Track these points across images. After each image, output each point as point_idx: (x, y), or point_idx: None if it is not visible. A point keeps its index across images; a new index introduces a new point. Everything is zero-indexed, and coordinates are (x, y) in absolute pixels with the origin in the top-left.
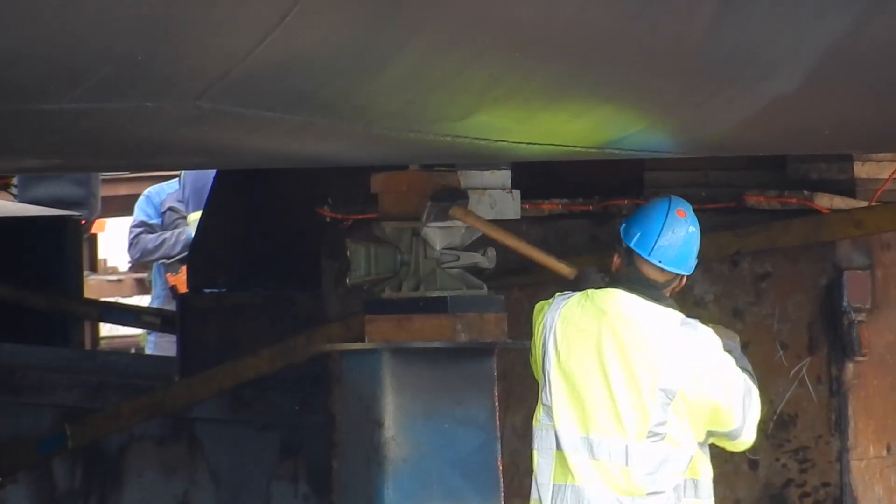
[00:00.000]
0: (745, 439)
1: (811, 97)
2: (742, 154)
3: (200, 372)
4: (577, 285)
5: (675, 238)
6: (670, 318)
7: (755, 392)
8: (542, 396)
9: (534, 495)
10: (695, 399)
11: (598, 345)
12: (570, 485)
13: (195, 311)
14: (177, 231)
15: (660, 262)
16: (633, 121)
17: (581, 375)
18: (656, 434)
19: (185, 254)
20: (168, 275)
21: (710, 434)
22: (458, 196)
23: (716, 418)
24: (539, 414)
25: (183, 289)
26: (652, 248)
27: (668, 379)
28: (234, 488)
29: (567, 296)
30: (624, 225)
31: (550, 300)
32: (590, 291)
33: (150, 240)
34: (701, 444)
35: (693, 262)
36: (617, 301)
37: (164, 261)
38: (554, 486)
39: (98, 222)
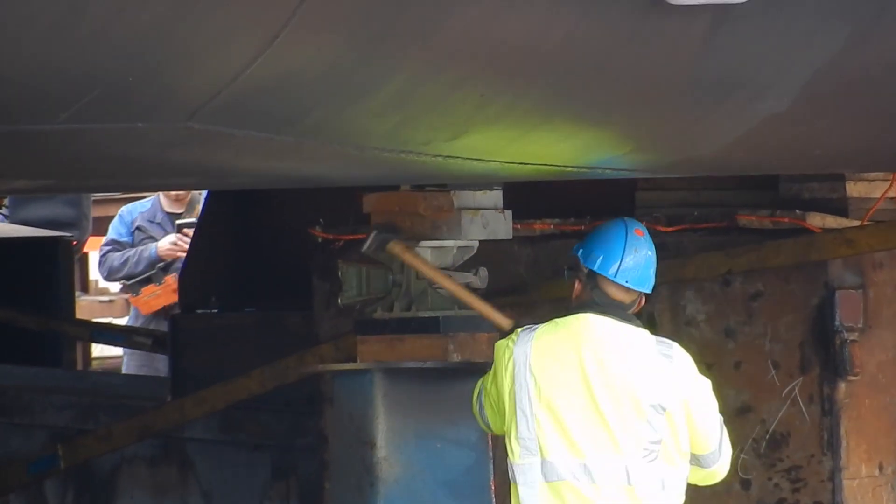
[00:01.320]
0: (720, 468)
1: (802, 117)
2: (734, 174)
3: (192, 393)
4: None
5: (639, 257)
6: (645, 337)
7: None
8: (518, 431)
9: None
10: (681, 416)
11: (580, 370)
12: None
13: (186, 331)
14: (139, 249)
15: (626, 282)
16: (623, 141)
17: (566, 403)
18: (651, 452)
19: (148, 273)
20: (129, 296)
21: (690, 458)
22: (399, 232)
23: (696, 439)
24: (515, 449)
25: (145, 310)
26: (618, 270)
27: (655, 396)
28: None
29: (531, 329)
30: (581, 250)
31: (511, 338)
32: (558, 320)
33: (115, 258)
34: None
35: (653, 280)
36: (591, 325)
37: (124, 281)
38: None
39: (91, 240)
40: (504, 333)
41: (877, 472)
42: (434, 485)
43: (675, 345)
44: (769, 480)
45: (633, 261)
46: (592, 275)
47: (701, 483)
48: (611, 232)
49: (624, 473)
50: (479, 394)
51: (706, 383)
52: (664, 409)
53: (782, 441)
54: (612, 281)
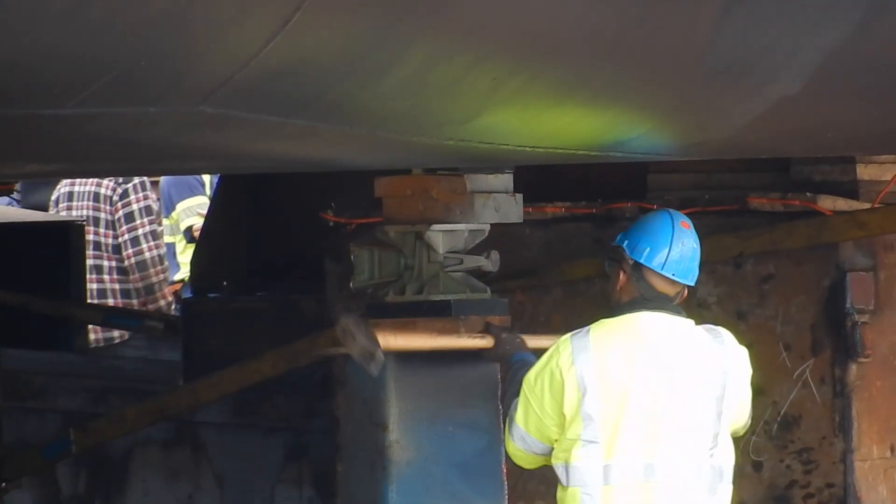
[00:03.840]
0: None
1: (815, 99)
2: (745, 156)
3: (204, 376)
4: (500, 355)
5: (685, 249)
6: (697, 329)
7: None
8: (583, 433)
9: None
10: (735, 398)
11: (646, 371)
12: None
13: (199, 315)
14: None
15: (673, 274)
16: (636, 124)
17: (633, 404)
18: (714, 445)
19: None
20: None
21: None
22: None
23: (741, 416)
24: (576, 451)
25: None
26: (665, 262)
27: (717, 387)
28: (238, 492)
29: (582, 334)
30: (626, 242)
31: (561, 349)
32: (609, 320)
33: None
34: None
35: (697, 273)
36: (649, 324)
37: None
38: None
39: None
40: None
41: (888, 454)
42: (446, 467)
43: (723, 329)
44: (781, 462)
45: (679, 253)
46: (638, 267)
47: None
48: (657, 223)
49: (692, 470)
50: (513, 414)
51: (746, 353)
52: (724, 400)
53: (794, 423)
54: (659, 273)
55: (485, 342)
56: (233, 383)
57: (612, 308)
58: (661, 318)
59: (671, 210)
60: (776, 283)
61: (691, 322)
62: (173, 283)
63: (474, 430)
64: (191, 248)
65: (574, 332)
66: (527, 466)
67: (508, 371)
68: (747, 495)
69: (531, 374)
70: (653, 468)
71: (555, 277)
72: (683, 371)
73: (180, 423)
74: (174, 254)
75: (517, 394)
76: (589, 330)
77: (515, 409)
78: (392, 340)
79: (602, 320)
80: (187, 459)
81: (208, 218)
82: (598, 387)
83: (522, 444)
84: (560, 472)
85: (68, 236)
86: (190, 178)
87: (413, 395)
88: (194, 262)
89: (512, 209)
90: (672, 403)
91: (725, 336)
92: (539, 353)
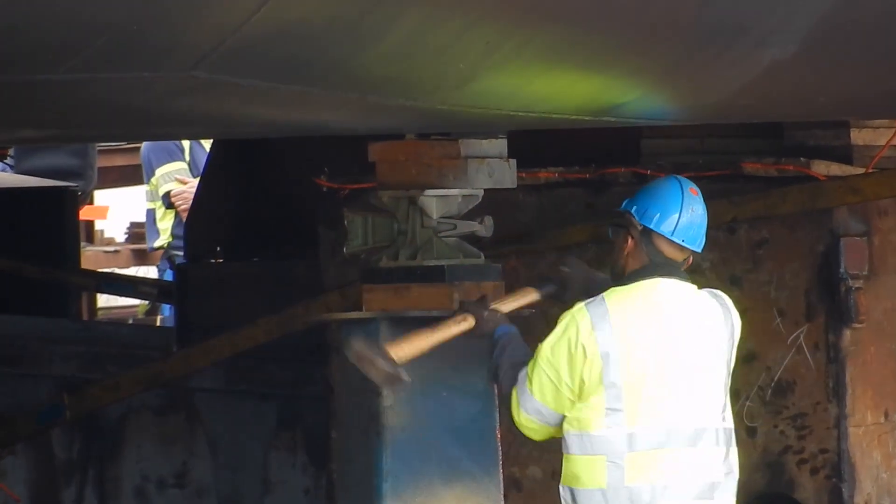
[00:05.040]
0: None
1: (807, 63)
2: (739, 121)
3: (198, 342)
4: (484, 331)
5: (695, 216)
6: (705, 294)
7: None
8: (607, 401)
9: (595, 499)
10: (732, 366)
11: (663, 337)
12: (652, 484)
13: (193, 281)
14: None
15: (683, 240)
16: (629, 88)
17: (654, 371)
18: (725, 408)
19: None
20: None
21: None
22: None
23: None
24: (599, 420)
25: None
26: (675, 228)
27: (727, 350)
28: (232, 458)
29: (597, 302)
30: (635, 207)
31: (580, 311)
32: (623, 288)
33: None
34: None
35: (704, 239)
36: (665, 290)
37: None
38: (631, 487)
39: (99, 209)
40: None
41: (882, 420)
42: (440, 433)
43: (722, 293)
44: (775, 428)
45: (689, 219)
46: (647, 232)
47: None
48: (666, 190)
49: (711, 437)
50: (525, 397)
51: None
52: (731, 362)
53: (788, 389)
54: (669, 239)
55: (468, 324)
56: (226, 349)
57: (618, 275)
58: (674, 284)
59: (679, 177)
60: (770, 248)
61: (695, 287)
62: (154, 249)
63: (468, 394)
64: (170, 214)
65: (587, 300)
66: (537, 439)
67: (495, 347)
68: (741, 461)
69: (545, 347)
70: (674, 433)
71: (548, 242)
72: (698, 336)
73: (174, 390)
74: (154, 220)
75: (519, 366)
76: (604, 298)
77: (527, 382)
78: (400, 352)
79: (615, 288)
80: (181, 425)
81: (201, 184)
82: (620, 354)
83: (538, 416)
84: (573, 440)
85: (62, 202)
86: (169, 143)
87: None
88: (188, 228)
89: (506, 174)
90: (689, 368)
91: (727, 300)
92: (516, 317)
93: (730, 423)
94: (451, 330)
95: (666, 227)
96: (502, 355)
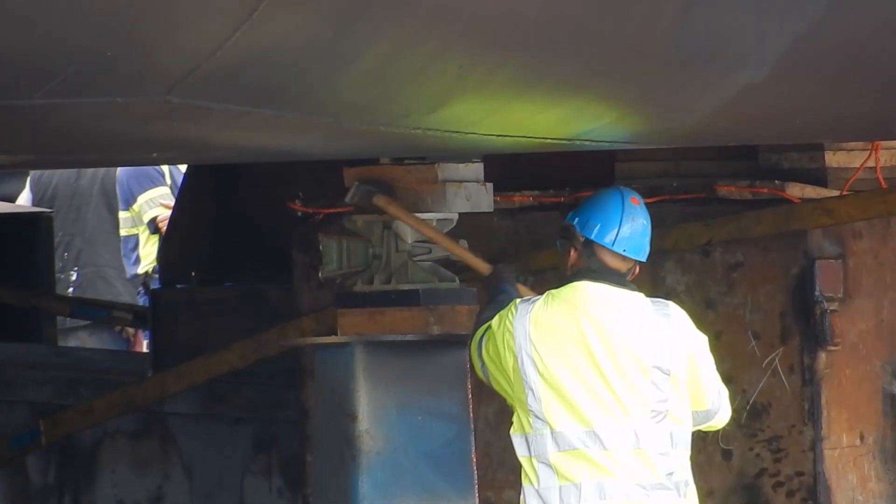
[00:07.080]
0: (721, 417)
1: (781, 86)
2: (713, 144)
3: (173, 367)
4: (491, 282)
5: (636, 226)
6: (641, 299)
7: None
8: (528, 403)
9: (535, 498)
10: (684, 373)
11: (581, 338)
12: (581, 483)
13: (167, 305)
14: None
15: (624, 250)
16: (602, 112)
17: (570, 373)
18: (658, 412)
19: None
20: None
21: (692, 416)
22: (385, 188)
23: (698, 393)
24: (527, 420)
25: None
26: (615, 238)
27: (658, 356)
28: (207, 483)
29: (529, 301)
30: (577, 219)
31: (510, 310)
32: (553, 292)
33: None
34: None
35: (649, 249)
36: (588, 292)
37: None
38: (561, 486)
39: None
40: (486, 278)
41: (858, 442)
42: (416, 457)
43: (671, 303)
44: (750, 451)
45: (630, 229)
46: (589, 243)
47: (705, 429)
48: (607, 200)
49: (633, 437)
50: (481, 343)
51: (704, 338)
52: (669, 369)
53: (763, 411)
54: (610, 250)
55: (484, 267)
56: (201, 374)
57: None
58: (601, 287)
59: (621, 187)
60: (744, 271)
61: (639, 294)
62: (135, 276)
63: (444, 419)
64: (155, 239)
65: (527, 298)
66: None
67: (493, 298)
68: (717, 484)
69: (494, 321)
70: (594, 435)
71: (523, 265)
72: (619, 339)
73: (149, 414)
74: (134, 246)
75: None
76: (536, 299)
77: (486, 340)
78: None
79: (550, 291)
80: (156, 450)
81: (176, 208)
82: (536, 354)
83: (484, 373)
84: (515, 441)
85: (36, 227)
86: (149, 168)
87: (382, 384)
88: (162, 253)
89: (483, 198)
90: (607, 370)
91: (673, 309)
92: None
93: (672, 427)
94: (467, 255)
95: (607, 239)
96: (489, 307)
